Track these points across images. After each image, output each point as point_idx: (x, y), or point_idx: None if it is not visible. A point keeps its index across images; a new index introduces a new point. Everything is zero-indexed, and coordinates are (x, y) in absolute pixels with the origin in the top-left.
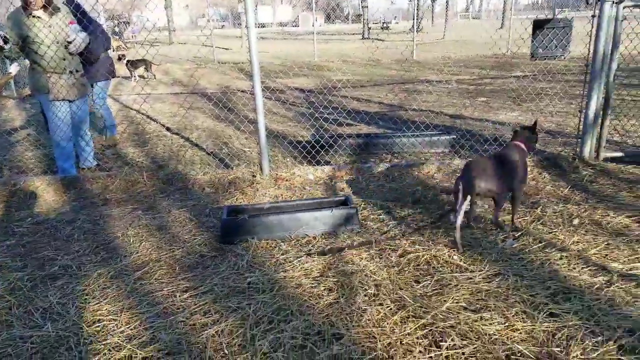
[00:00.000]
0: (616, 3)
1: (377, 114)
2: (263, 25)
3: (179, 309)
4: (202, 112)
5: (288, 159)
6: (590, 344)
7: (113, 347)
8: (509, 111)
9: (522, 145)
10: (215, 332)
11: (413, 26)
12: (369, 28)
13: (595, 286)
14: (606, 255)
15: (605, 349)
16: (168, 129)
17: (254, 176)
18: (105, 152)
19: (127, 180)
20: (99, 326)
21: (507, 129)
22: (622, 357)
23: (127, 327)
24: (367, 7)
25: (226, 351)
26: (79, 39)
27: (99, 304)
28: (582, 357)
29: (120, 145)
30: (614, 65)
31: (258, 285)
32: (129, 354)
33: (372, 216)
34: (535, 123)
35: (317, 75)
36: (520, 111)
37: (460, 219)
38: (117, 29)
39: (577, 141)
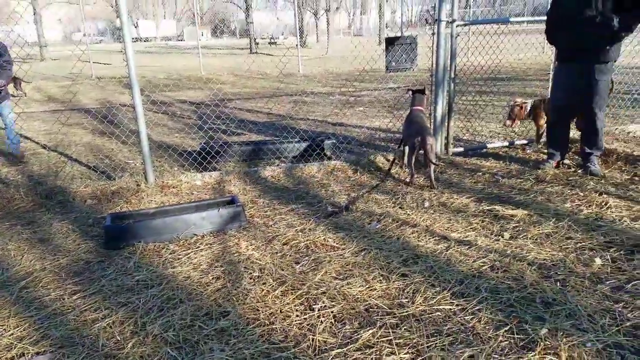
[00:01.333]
0: (450, 22)
1: (266, 124)
2: (147, 40)
3: (68, 309)
4: (81, 128)
5: (175, 168)
6: (430, 294)
7: (4, 348)
8: (383, 118)
9: (423, 108)
10: (107, 324)
11: (298, 42)
12: (257, 43)
13: (437, 251)
14: (447, 228)
15: (441, 296)
16: (44, 146)
17: (138, 185)
18: None
19: (2, 198)
20: None
21: (379, 134)
22: (453, 301)
23: (17, 330)
24: (252, 22)
25: (118, 338)
26: None
27: None
28: (424, 304)
29: None
30: (453, 75)
31: (147, 282)
32: (21, 351)
33: (258, 213)
34: (424, 88)
35: (205, 88)
36: (392, 117)
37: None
38: None
39: None
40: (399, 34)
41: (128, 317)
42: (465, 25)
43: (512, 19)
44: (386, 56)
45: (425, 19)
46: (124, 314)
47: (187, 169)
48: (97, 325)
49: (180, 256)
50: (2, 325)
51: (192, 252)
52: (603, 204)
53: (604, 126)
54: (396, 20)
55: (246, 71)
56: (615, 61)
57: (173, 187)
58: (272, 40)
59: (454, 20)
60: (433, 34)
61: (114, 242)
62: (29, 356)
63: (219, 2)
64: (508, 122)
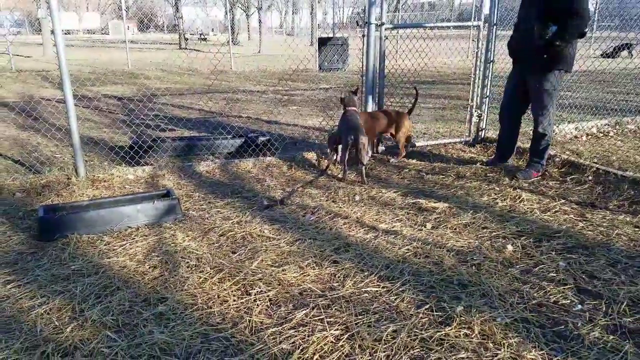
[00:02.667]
0: (379, 25)
1: (198, 120)
2: (68, 32)
3: (3, 298)
4: (2, 122)
5: (106, 163)
6: (359, 278)
7: None
8: (315, 117)
9: (356, 108)
10: (44, 311)
11: (230, 39)
12: (186, 39)
13: (367, 240)
14: (376, 219)
15: (369, 280)
16: None
17: (69, 179)
18: None
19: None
20: None
21: (312, 132)
22: (380, 284)
23: None
24: (181, 17)
25: (57, 323)
26: None
27: None
28: (353, 287)
29: None
30: (383, 76)
31: (82, 272)
32: None
33: (194, 206)
34: (358, 88)
35: (132, 83)
36: (325, 117)
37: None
38: None
39: None
40: (331, 35)
41: (65, 304)
42: (393, 28)
43: (437, 24)
44: (319, 56)
45: (357, 21)
46: (61, 301)
47: (119, 163)
48: (34, 312)
49: (115, 247)
50: None
51: (127, 243)
52: (517, 197)
53: (548, 133)
54: (328, 22)
55: (175, 67)
56: (566, 70)
57: (104, 181)
58: (202, 37)
59: (382, 24)
60: (363, 36)
61: (48, 233)
62: None
63: None
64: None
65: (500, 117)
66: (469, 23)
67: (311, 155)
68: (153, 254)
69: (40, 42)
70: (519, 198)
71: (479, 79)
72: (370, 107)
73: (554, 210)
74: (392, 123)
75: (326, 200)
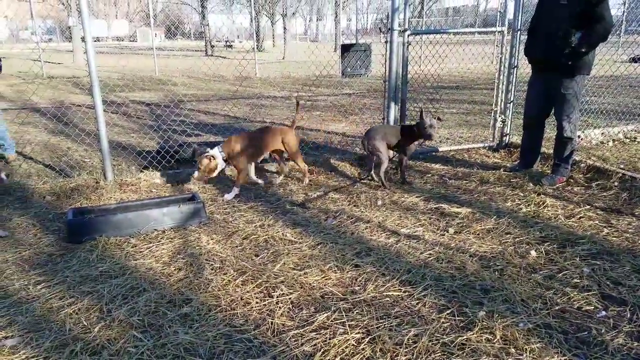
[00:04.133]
0: (402, 32)
1: (223, 125)
2: (97, 39)
3: (33, 298)
4: (34, 127)
5: (133, 167)
6: (381, 282)
7: None
8: (338, 122)
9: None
10: (73, 311)
11: (254, 46)
12: (212, 46)
13: (388, 245)
14: (398, 223)
15: (390, 284)
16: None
17: (97, 182)
18: None
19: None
20: None
21: (335, 138)
22: (401, 288)
23: None
24: (207, 25)
25: (85, 323)
26: None
27: None
28: (375, 291)
29: None
30: (406, 82)
31: (110, 273)
32: None
33: (218, 210)
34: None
35: (160, 89)
36: (347, 122)
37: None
38: None
39: None
40: (354, 42)
41: (93, 304)
42: (417, 34)
43: (460, 30)
44: (342, 62)
45: (379, 28)
46: (89, 301)
47: (145, 167)
48: (63, 312)
49: (142, 249)
50: None
51: (153, 245)
52: (541, 203)
53: (574, 138)
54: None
55: (202, 73)
56: (587, 74)
57: (132, 185)
58: (228, 44)
59: (405, 30)
60: (386, 42)
61: (76, 236)
62: None
63: (173, 3)
64: (196, 175)
65: (524, 122)
66: (493, 29)
67: (333, 160)
68: (178, 256)
69: (70, 49)
70: (543, 204)
71: (502, 84)
72: (393, 111)
73: (578, 216)
74: (278, 140)
75: (348, 205)
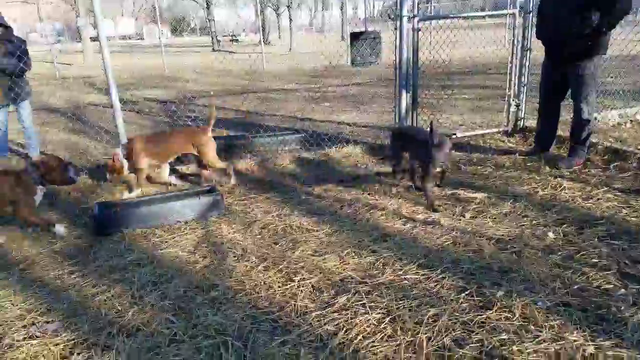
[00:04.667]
0: (411, 18)
1: (234, 120)
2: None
3: (69, 286)
4: (52, 127)
5: None
6: (398, 266)
7: (16, 318)
8: (349, 113)
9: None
10: (106, 297)
11: (261, 38)
12: (219, 40)
13: (404, 231)
14: (413, 210)
15: (408, 268)
16: (19, 144)
17: None
18: None
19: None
20: None
21: (346, 128)
22: (419, 271)
23: (24, 304)
24: (213, 20)
25: (119, 308)
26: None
27: None
28: (393, 274)
29: None
30: (417, 69)
31: (138, 262)
32: (31, 320)
33: (236, 201)
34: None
35: (170, 86)
36: (357, 112)
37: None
38: None
39: None
40: (363, 29)
41: (125, 291)
42: (426, 20)
43: (471, 14)
44: (351, 51)
45: (388, 15)
46: (121, 288)
47: None
48: (98, 298)
49: (167, 240)
50: (10, 301)
51: (177, 236)
52: (558, 186)
53: (591, 119)
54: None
55: (210, 69)
56: (604, 54)
57: (151, 179)
58: (234, 38)
59: (415, 16)
60: (395, 29)
61: (103, 228)
62: (39, 324)
63: None
64: (109, 177)
65: (539, 105)
66: (504, 11)
67: (345, 149)
68: (202, 245)
69: (80, 50)
70: (560, 187)
71: (516, 67)
72: (404, 99)
73: (596, 198)
74: (187, 143)
75: (362, 194)
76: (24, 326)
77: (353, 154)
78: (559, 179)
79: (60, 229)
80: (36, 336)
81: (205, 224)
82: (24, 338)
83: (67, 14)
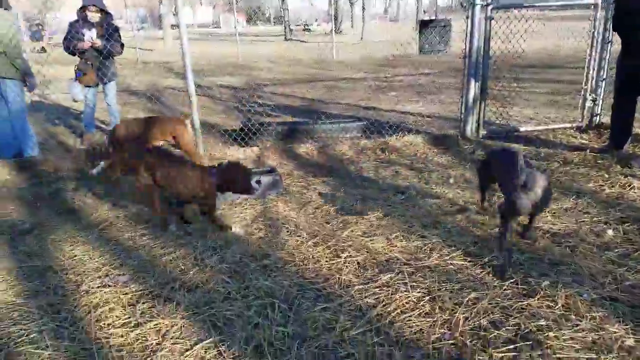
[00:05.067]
0: (484, 6)
1: (300, 107)
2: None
3: (139, 246)
4: (132, 107)
5: (220, 143)
6: (446, 252)
7: (93, 270)
8: (414, 103)
9: None
10: (172, 258)
11: (333, 28)
12: (291, 30)
13: (457, 219)
14: (469, 201)
15: (455, 254)
16: (103, 121)
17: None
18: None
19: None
20: (75, 259)
21: (410, 118)
22: (466, 258)
23: (101, 259)
24: (287, 9)
25: (182, 267)
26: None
27: (72, 247)
28: (439, 259)
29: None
30: (487, 59)
31: (201, 231)
32: (106, 273)
33: (294, 183)
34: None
35: (243, 74)
36: (424, 102)
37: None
38: (35, 30)
39: (460, 124)
40: (433, 17)
41: (188, 254)
42: (500, 8)
43: (549, 3)
44: (420, 39)
45: (461, 3)
46: (185, 251)
47: (231, 143)
48: (164, 258)
49: (228, 213)
50: (89, 255)
51: (238, 209)
52: (627, 185)
53: None
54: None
55: (281, 58)
56: None
57: (220, 159)
58: (306, 27)
59: (488, 4)
60: (467, 17)
61: None
62: (112, 276)
63: None
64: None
65: (613, 101)
66: (585, 1)
67: (405, 138)
68: (259, 219)
69: (160, 37)
70: (629, 185)
71: (594, 60)
72: (473, 90)
73: None
74: (165, 130)
75: (418, 182)
76: (99, 276)
77: (414, 142)
78: (629, 177)
79: (239, 230)
80: (109, 285)
81: (264, 201)
82: (99, 286)
83: (150, 2)
